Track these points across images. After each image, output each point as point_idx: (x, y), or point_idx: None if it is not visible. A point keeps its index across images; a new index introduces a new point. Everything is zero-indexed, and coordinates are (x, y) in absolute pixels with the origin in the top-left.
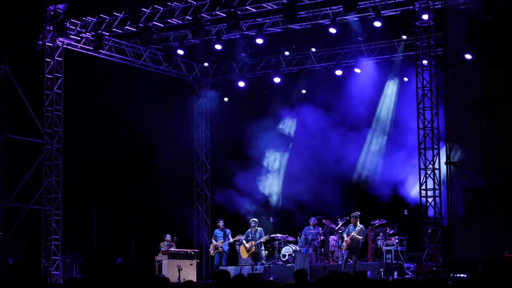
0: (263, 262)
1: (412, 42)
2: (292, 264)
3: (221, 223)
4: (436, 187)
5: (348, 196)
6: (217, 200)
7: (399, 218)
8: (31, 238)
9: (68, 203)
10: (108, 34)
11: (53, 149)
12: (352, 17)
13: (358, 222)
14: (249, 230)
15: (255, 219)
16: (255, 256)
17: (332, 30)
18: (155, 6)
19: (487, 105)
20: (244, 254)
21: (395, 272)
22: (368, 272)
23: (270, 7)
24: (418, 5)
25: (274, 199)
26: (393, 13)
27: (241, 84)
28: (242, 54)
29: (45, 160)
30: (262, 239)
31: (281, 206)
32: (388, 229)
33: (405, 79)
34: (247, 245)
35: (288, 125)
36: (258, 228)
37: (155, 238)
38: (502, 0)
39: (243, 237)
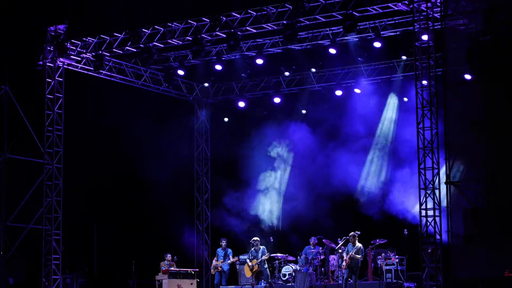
0: (269, 280)
1: (412, 63)
2: (293, 283)
3: (223, 243)
4: (436, 206)
5: (348, 215)
6: (217, 220)
7: (399, 237)
8: (32, 257)
9: (68, 223)
10: (108, 54)
11: (54, 169)
12: (352, 38)
13: (357, 241)
14: (252, 249)
15: (256, 238)
16: (258, 275)
17: (332, 51)
18: (156, 26)
19: (487, 125)
20: (248, 273)
21: None
22: None
23: (270, 28)
24: (418, 26)
25: (273, 219)
26: (392, 33)
27: (241, 104)
28: (242, 75)
29: (45, 180)
30: (264, 257)
31: (281, 226)
32: (388, 252)
33: (405, 99)
34: (251, 264)
35: (288, 145)
36: (261, 247)
37: (155, 258)
38: (502, 20)
39: (245, 256)
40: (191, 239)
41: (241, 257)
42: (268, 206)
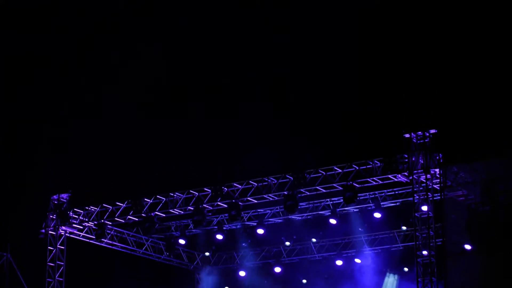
0: None
1: (412, 233)
2: None
3: None
4: None
5: None
6: None
7: None
8: None
9: None
10: (110, 223)
11: None
12: (352, 208)
13: None
14: None
15: None
16: None
17: (333, 221)
18: (158, 196)
19: None
20: None
21: None
22: None
23: (271, 198)
24: (417, 197)
25: None
26: (392, 204)
27: (242, 273)
28: (243, 244)
29: None
30: None
31: None
32: None
33: (405, 269)
34: None
35: None
36: None
37: None
38: (501, 191)
39: None
40: None
41: None
42: None
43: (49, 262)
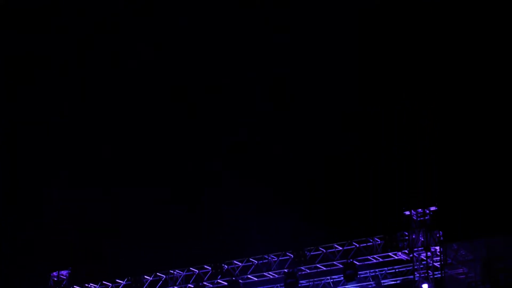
0: None
1: None
2: None
3: None
4: None
5: None
6: None
7: None
8: None
9: None
10: None
11: None
12: (353, 286)
13: None
14: None
15: None
16: None
17: None
18: (158, 273)
19: None
20: None
21: None
22: None
23: (271, 276)
24: (418, 275)
25: None
26: (393, 282)
27: None
28: None
29: None
30: None
31: None
32: None
33: None
34: None
35: None
36: None
37: None
38: (502, 269)
39: None
40: None
41: None
42: None
43: None
